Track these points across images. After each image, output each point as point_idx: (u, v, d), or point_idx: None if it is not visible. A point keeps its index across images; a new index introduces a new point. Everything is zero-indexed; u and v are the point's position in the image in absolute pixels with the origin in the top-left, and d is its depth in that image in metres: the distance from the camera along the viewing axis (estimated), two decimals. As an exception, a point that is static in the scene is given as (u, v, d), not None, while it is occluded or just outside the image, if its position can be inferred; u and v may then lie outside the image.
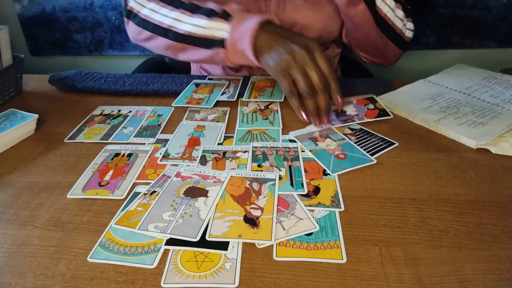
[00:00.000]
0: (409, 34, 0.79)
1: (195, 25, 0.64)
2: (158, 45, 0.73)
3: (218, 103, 0.72)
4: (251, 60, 0.63)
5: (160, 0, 0.70)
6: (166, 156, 0.58)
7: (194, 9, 0.66)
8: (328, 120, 0.63)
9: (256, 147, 0.59)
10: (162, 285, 0.38)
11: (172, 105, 0.72)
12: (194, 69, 0.99)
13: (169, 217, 0.45)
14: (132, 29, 0.76)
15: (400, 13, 0.74)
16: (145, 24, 0.71)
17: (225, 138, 0.62)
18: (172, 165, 0.55)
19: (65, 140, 0.64)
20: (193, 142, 0.61)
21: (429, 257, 0.40)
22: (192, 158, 0.57)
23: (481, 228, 0.44)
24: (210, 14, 0.64)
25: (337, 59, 0.95)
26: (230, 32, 0.62)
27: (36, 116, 0.66)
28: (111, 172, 0.55)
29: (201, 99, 0.73)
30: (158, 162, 0.56)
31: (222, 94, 0.75)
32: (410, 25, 0.78)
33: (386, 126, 0.64)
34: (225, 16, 0.63)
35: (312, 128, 0.64)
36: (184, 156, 0.57)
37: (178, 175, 0.52)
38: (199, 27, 0.64)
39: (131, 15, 0.74)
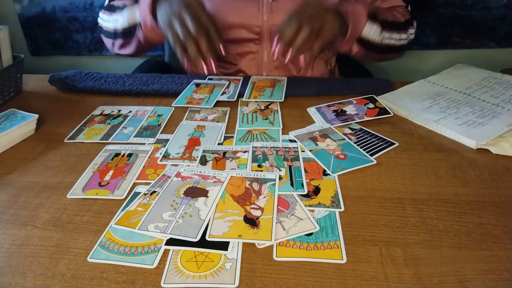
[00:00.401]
0: (411, 37, 0.84)
1: (124, 19, 0.77)
2: (120, 46, 0.84)
3: (218, 103, 0.72)
4: (155, 29, 0.73)
5: (105, 9, 0.84)
6: (166, 156, 0.58)
7: (122, 8, 0.79)
8: (213, 64, 0.66)
9: (256, 147, 0.59)
10: (162, 285, 0.38)
11: (172, 105, 0.72)
12: None
13: (169, 217, 0.45)
14: (104, 41, 0.88)
15: (404, 35, 0.82)
16: (107, 33, 0.85)
17: (225, 138, 0.62)
18: (172, 165, 0.55)
19: (65, 140, 0.64)
20: (193, 142, 0.61)
21: (429, 257, 0.40)
22: (192, 158, 0.57)
23: (481, 228, 0.44)
24: (129, 5, 0.77)
25: (334, 59, 0.95)
26: (139, 13, 0.75)
27: (36, 116, 0.66)
28: (111, 172, 0.55)
29: (201, 99, 0.73)
30: (158, 162, 0.56)
31: (222, 94, 0.75)
32: (412, 31, 0.83)
33: (386, 126, 0.64)
34: (135, 2, 0.76)
35: (312, 128, 0.64)
36: (184, 156, 0.57)
37: (178, 175, 0.52)
38: (126, 20, 0.77)
39: (99, 29, 0.87)
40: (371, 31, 0.76)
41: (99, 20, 0.88)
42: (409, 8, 0.89)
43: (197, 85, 0.79)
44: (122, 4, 0.82)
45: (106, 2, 0.89)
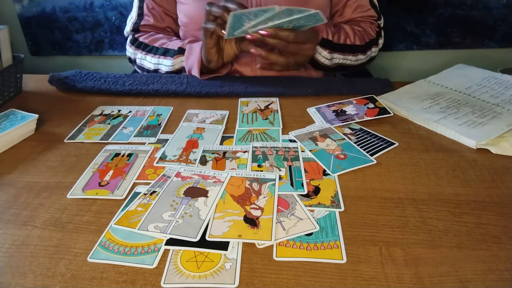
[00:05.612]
0: (373, 55, 0.90)
1: (168, 66, 0.85)
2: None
3: (217, 105, 0.72)
4: (197, 77, 0.81)
5: (141, 49, 0.89)
6: (163, 158, 0.57)
7: (164, 53, 0.85)
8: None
9: (256, 147, 0.59)
10: (162, 285, 0.38)
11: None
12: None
13: (169, 217, 0.45)
14: (138, 69, 0.96)
15: (361, 56, 0.86)
16: (141, 69, 0.92)
17: (225, 138, 0.62)
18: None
19: (65, 140, 0.64)
20: (191, 144, 0.61)
21: (429, 257, 0.40)
22: (189, 161, 0.57)
23: (481, 228, 0.44)
24: (173, 54, 0.84)
25: None
26: (185, 62, 0.83)
27: (36, 116, 0.66)
28: (111, 172, 0.55)
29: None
30: (155, 164, 0.56)
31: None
32: (376, 49, 0.89)
33: (386, 126, 0.64)
34: (180, 51, 0.83)
35: (312, 128, 0.64)
36: (181, 159, 0.57)
37: (178, 175, 0.52)
38: (171, 66, 0.85)
39: (131, 61, 0.94)
40: (321, 55, 0.80)
41: (130, 54, 0.92)
42: (381, 20, 0.90)
43: None
44: (158, 44, 0.86)
45: (130, 36, 0.93)
